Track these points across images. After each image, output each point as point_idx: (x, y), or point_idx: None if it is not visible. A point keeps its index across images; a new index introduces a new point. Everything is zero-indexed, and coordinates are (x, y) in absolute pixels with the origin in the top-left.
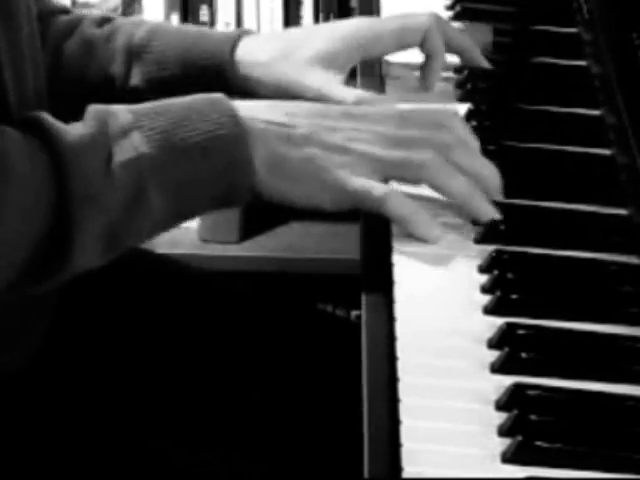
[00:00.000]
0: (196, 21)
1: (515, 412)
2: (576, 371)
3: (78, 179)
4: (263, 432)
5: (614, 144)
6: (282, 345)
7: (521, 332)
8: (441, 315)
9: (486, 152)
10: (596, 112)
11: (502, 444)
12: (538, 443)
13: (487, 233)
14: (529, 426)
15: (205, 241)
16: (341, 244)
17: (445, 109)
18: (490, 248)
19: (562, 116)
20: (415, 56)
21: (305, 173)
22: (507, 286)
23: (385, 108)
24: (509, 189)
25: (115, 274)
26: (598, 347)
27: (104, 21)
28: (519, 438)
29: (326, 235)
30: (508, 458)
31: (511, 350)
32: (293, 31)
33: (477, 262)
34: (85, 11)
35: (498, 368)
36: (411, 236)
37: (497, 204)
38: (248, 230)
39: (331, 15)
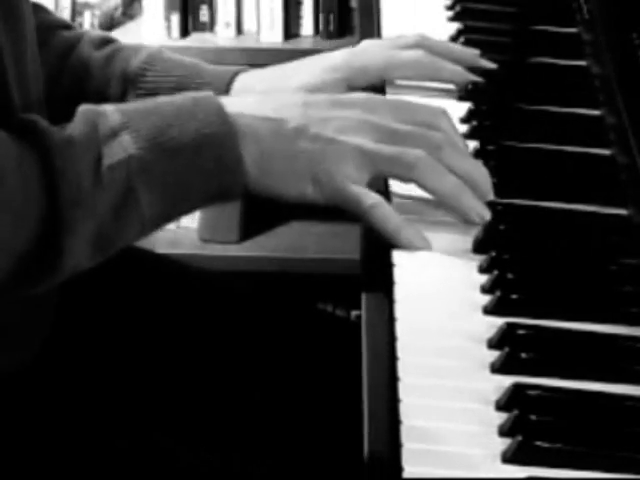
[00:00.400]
0: (196, 21)
1: (515, 412)
2: (576, 371)
3: (68, 182)
4: (263, 432)
5: (614, 144)
6: (282, 345)
7: (521, 332)
8: (441, 315)
9: (486, 152)
10: (596, 112)
11: (502, 444)
12: (538, 443)
13: (487, 233)
14: (529, 426)
15: (205, 241)
16: (341, 244)
17: (433, 107)
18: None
19: (562, 116)
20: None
21: (296, 168)
22: (507, 286)
23: (376, 97)
24: (509, 189)
25: (115, 274)
26: (598, 347)
27: (103, 43)
28: (519, 438)
29: (326, 235)
30: (508, 458)
31: (511, 350)
32: (286, 65)
33: (477, 262)
34: (87, 12)
35: (498, 368)
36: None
37: (497, 204)
38: (248, 230)
39: (331, 15)
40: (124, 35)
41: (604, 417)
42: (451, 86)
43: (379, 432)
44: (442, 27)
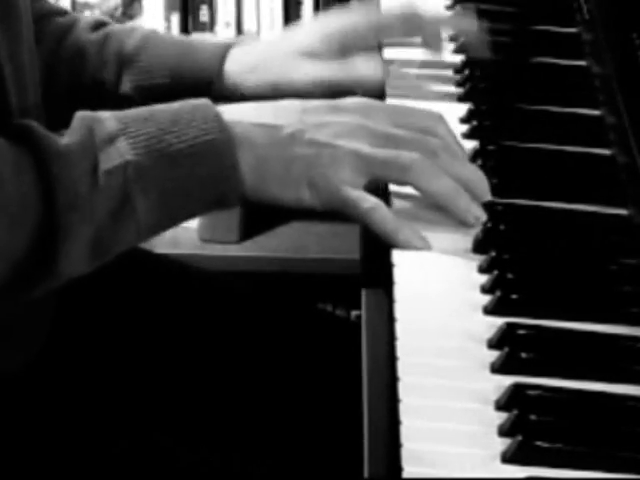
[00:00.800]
0: (196, 21)
1: (515, 412)
2: (576, 371)
3: (65, 188)
4: (263, 432)
5: (614, 144)
6: (282, 345)
7: (521, 332)
8: (441, 315)
9: (486, 152)
10: (596, 112)
11: (502, 444)
12: (538, 443)
13: (487, 233)
14: (529, 426)
15: (205, 241)
16: (341, 244)
17: (430, 112)
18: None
19: (562, 116)
20: (415, 54)
21: (292, 173)
22: (507, 286)
23: (373, 102)
24: (509, 189)
25: (115, 274)
26: (598, 347)
27: (98, 26)
28: (519, 438)
29: (326, 235)
30: (508, 458)
31: (511, 350)
32: (277, 33)
33: (477, 262)
34: (87, 12)
35: (498, 368)
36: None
37: (497, 204)
38: (248, 230)
39: None
40: None
41: (604, 417)
42: (451, 88)
43: (379, 432)
44: None
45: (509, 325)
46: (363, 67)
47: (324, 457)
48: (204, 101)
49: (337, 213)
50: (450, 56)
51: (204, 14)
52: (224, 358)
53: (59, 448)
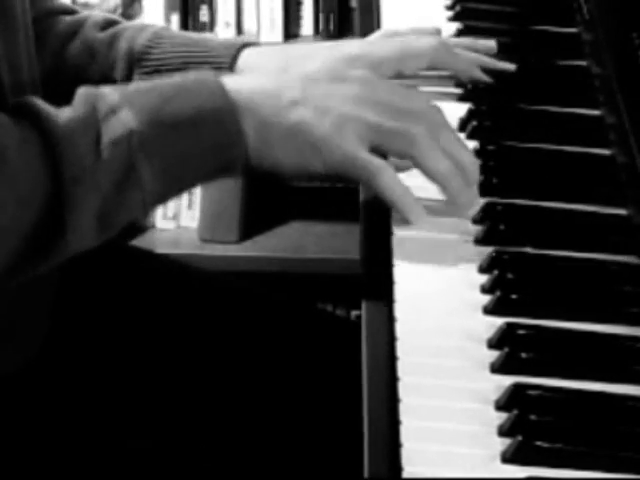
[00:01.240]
0: (196, 21)
1: (515, 412)
2: (576, 371)
3: (70, 161)
4: (263, 432)
5: (614, 144)
6: (282, 345)
7: (521, 332)
8: (441, 315)
9: (486, 152)
10: (596, 112)
11: (502, 444)
12: (538, 443)
13: (487, 233)
14: (529, 426)
15: (205, 241)
16: (341, 244)
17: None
18: (490, 248)
19: (562, 116)
20: None
21: (296, 138)
22: (507, 286)
23: (376, 76)
24: (509, 189)
25: (115, 274)
26: (598, 347)
27: (107, 24)
28: (519, 438)
29: (326, 235)
30: (508, 458)
31: (511, 350)
32: (292, 48)
33: (477, 262)
34: (87, 12)
35: (498, 368)
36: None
37: (497, 204)
38: (248, 230)
39: (331, 15)
40: None
41: (604, 417)
42: (452, 89)
43: (379, 432)
44: (442, 27)
45: (509, 325)
46: None
47: (324, 457)
48: (206, 72)
49: (339, 177)
50: None
51: (204, 14)
52: (224, 358)
53: (57, 448)
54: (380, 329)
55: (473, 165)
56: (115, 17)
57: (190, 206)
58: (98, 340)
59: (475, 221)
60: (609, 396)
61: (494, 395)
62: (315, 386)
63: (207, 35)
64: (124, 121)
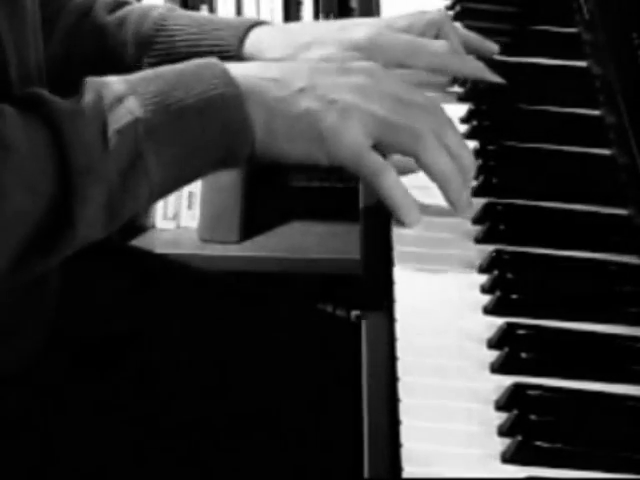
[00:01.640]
0: None
1: (515, 412)
2: (576, 371)
3: (77, 150)
4: (262, 432)
5: (614, 144)
6: (282, 345)
7: (521, 332)
8: (441, 315)
9: (486, 152)
10: (596, 112)
11: (502, 444)
12: (538, 443)
13: (487, 233)
14: (529, 426)
15: (205, 241)
16: (341, 244)
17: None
18: (490, 248)
19: (562, 116)
20: None
21: (302, 127)
22: (507, 286)
23: (383, 68)
24: (509, 189)
25: (115, 274)
26: (598, 347)
27: (116, 6)
28: (519, 438)
29: (326, 235)
30: (508, 458)
31: (511, 350)
32: (301, 30)
33: (477, 262)
34: None
35: (498, 368)
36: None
37: (497, 204)
38: (248, 230)
39: (331, 15)
40: None
41: (604, 417)
42: (451, 88)
43: (379, 432)
44: None
45: (509, 325)
46: None
47: (324, 457)
48: (210, 59)
49: (341, 170)
50: None
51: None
52: (224, 358)
53: (59, 448)
54: (380, 329)
55: (472, 167)
56: None
57: (190, 206)
58: (99, 340)
59: (475, 221)
60: (609, 396)
61: (494, 395)
62: (315, 386)
63: (213, 16)
64: (130, 109)
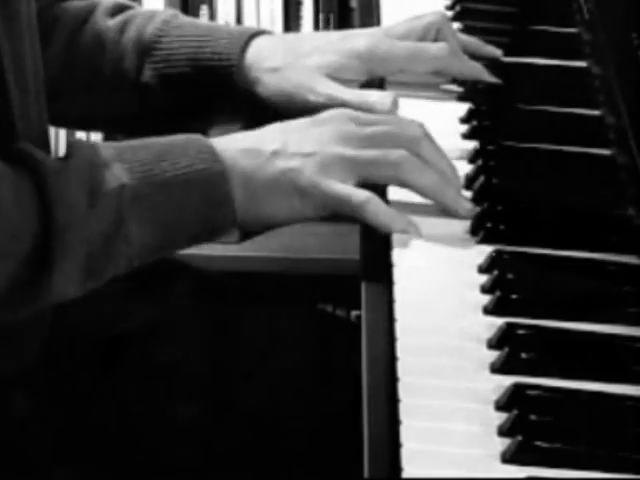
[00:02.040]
0: None
1: (515, 412)
2: (576, 371)
3: (61, 208)
4: (262, 432)
5: (614, 144)
6: (282, 345)
7: (521, 332)
8: (441, 315)
9: (486, 152)
10: (596, 112)
11: (502, 444)
12: (538, 443)
13: (487, 233)
14: (529, 426)
15: None
16: (341, 244)
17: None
18: (490, 248)
19: (562, 116)
20: None
21: (281, 187)
22: (507, 286)
23: (349, 110)
24: (509, 189)
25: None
26: (598, 347)
27: (117, 10)
28: (519, 438)
29: (327, 235)
30: (508, 458)
31: (511, 350)
32: (301, 39)
33: (477, 262)
34: None
35: (498, 368)
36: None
37: (498, 205)
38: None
39: (331, 15)
40: None
41: (604, 417)
42: (451, 88)
43: (379, 432)
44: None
45: (509, 325)
46: (377, 103)
47: (324, 457)
48: (196, 135)
49: (334, 216)
50: None
51: (204, 14)
52: (224, 358)
53: (59, 449)
54: (380, 329)
55: (452, 171)
56: (127, 2)
57: None
58: (100, 340)
59: (475, 222)
60: (609, 396)
61: (494, 395)
62: (315, 386)
63: (216, 24)
64: (117, 175)
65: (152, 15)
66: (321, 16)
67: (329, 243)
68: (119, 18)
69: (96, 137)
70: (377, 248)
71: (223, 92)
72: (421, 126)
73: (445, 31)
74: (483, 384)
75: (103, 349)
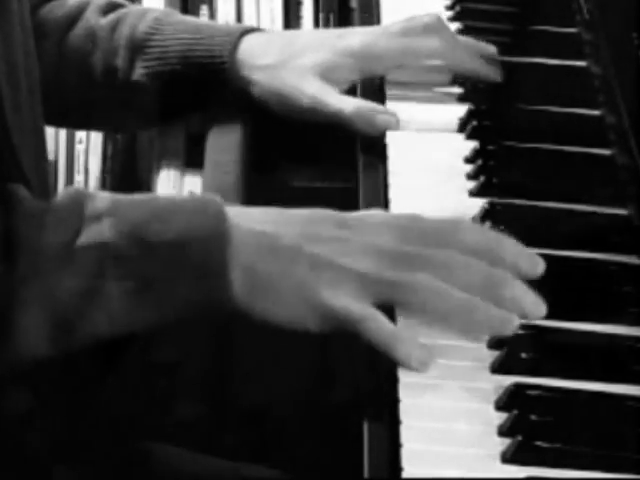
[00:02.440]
0: None
1: (515, 412)
2: (576, 371)
3: (28, 254)
4: (262, 432)
5: (614, 144)
6: (282, 345)
7: (521, 332)
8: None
9: (486, 152)
10: (596, 112)
11: (502, 444)
12: (538, 443)
13: None
14: (529, 426)
15: None
16: None
17: (449, 221)
18: None
19: (562, 116)
20: None
21: (286, 291)
22: None
23: (385, 216)
24: (509, 189)
25: None
26: (598, 347)
27: (109, 8)
28: (519, 438)
29: None
30: (508, 458)
31: (511, 350)
32: (296, 36)
33: None
34: None
35: (498, 368)
36: None
37: (497, 204)
38: None
39: (331, 15)
40: None
41: (604, 417)
42: (451, 88)
43: (379, 432)
44: None
45: None
46: (366, 112)
47: (324, 457)
48: (211, 196)
49: (338, 333)
50: None
51: (204, 14)
52: (224, 357)
53: (57, 449)
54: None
55: (506, 280)
56: (119, 0)
57: None
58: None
59: (475, 221)
60: (609, 396)
61: (494, 395)
62: (315, 386)
63: (209, 22)
64: (102, 230)
65: (144, 13)
66: (321, 16)
67: None
68: (111, 16)
69: (96, 138)
70: None
71: (215, 89)
72: (460, 225)
73: (442, 32)
74: (483, 384)
75: (103, 349)
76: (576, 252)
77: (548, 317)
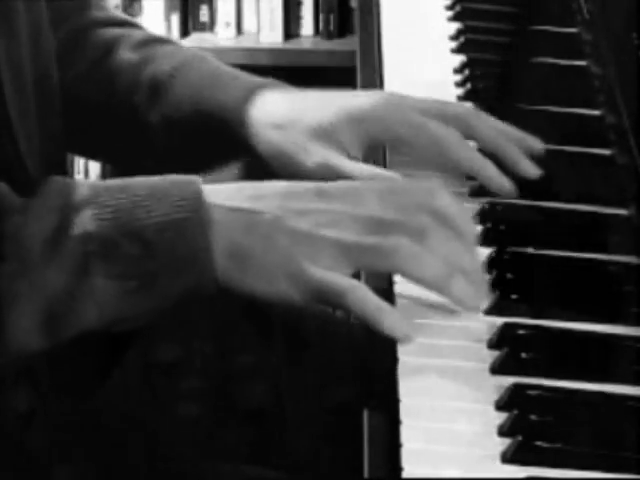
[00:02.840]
0: (196, 21)
1: (515, 412)
2: (576, 371)
3: (15, 251)
4: (262, 432)
5: (614, 144)
6: (282, 345)
7: (521, 332)
8: (441, 315)
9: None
10: (596, 112)
11: (502, 444)
12: (538, 443)
13: (487, 233)
14: (529, 426)
15: None
16: None
17: (429, 185)
18: (490, 249)
19: (562, 116)
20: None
21: (269, 265)
22: (507, 286)
23: (364, 185)
24: None
25: None
26: (598, 347)
27: (142, 44)
28: (519, 438)
29: None
30: (508, 458)
31: (511, 350)
32: (309, 96)
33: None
34: (131, 27)
35: (498, 368)
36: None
37: (497, 204)
38: None
39: (331, 15)
40: None
41: (604, 417)
42: (451, 88)
43: (379, 432)
44: (442, 27)
45: (508, 325)
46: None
47: (324, 457)
48: (187, 178)
49: (322, 304)
50: (450, 56)
51: (204, 14)
52: (223, 357)
53: (60, 452)
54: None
55: (473, 260)
56: (158, 35)
57: None
58: (97, 340)
59: (475, 221)
60: (609, 396)
61: (494, 395)
62: (315, 386)
63: (229, 70)
64: (84, 221)
65: (173, 53)
66: (321, 16)
67: None
68: (141, 52)
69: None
70: None
71: (224, 142)
72: (438, 191)
73: (475, 124)
74: (483, 384)
75: (103, 349)
76: (576, 252)
77: (548, 317)
